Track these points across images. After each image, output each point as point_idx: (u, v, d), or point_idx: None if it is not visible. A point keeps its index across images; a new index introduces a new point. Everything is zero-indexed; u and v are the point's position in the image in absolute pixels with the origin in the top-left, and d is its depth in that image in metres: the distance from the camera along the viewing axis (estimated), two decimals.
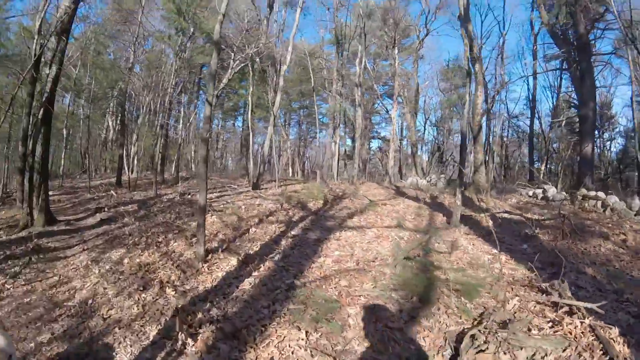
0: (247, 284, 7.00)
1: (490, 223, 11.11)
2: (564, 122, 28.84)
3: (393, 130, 29.31)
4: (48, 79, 11.74)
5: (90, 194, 18.31)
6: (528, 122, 32.30)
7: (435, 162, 34.99)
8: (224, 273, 7.52)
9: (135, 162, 28.37)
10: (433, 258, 8.65)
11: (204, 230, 8.12)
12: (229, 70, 29.53)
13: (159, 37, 26.42)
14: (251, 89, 20.01)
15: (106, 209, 14.04)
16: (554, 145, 32.48)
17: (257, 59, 21.73)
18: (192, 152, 33.81)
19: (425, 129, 41.90)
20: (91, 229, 11.53)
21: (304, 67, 29.37)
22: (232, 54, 29.13)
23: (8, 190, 19.05)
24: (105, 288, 7.10)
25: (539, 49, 30.70)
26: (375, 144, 46.97)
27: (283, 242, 9.67)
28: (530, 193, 17.57)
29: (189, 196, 16.16)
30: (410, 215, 13.40)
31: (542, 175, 24.85)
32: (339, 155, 28.06)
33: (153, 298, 6.53)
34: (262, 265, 7.90)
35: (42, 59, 11.95)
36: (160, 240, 9.64)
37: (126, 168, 25.10)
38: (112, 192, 17.34)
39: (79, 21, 22.25)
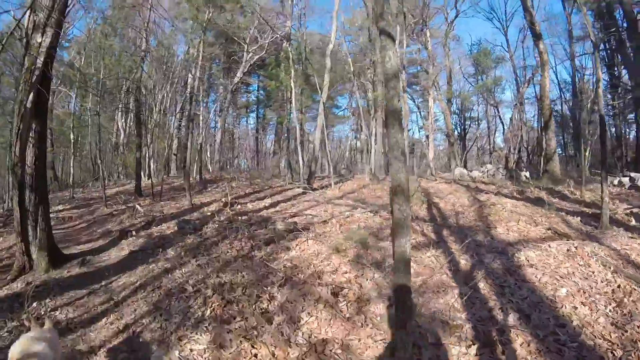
0: None
1: None
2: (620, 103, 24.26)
3: (431, 120, 24.75)
4: (40, 49, 6.98)
5: (107, 208, 13.59)
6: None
7: (461, 152, 30.44)
8: None
9: (152, 166, 23.56)
10: None
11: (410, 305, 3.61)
12: (242, 64, 25.21)
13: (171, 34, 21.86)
14: (292, 73, 15.24)
15: (134, 233, 9.37)
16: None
17: (286, 44, 17.08)
18: (208, 153, 29.23)
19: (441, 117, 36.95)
20: (120, 274, 6.88)
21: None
22: (246, 46, 24.89)
23: (10, 208, 14.22)
24: None
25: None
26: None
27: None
28: (616, 182, 13.93)
29: (238, 206, 11.53)
30: (541, 218, 9.06)
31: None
32: (370, 149, 23.49)
33: None
34: None
35: (32, 19, 7.15)
36: (269, 310, 5.20)
37: (142, 173, 20.30)
38: (135, 205, 12.65)
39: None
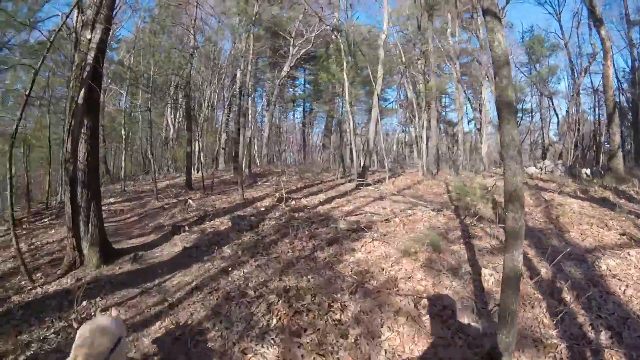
0: None
1: None
2: None
3: (484, 112, 23.25)
4: (90, 45, 6.54)
5: (158, 201, 13.29)
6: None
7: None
8: None
9: (202, 160, 23.42)
10: None
11: None
12: (289, 58, 24.64)
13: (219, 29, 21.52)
14: (345, 65, 14.43)
15: (186, 227, 8.88)
16: None
17: (337, 34, 16.30)
18: (256, 147, 28.93)
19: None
20: (174, 272, 6.35)
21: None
22: (292, 40, 24.33)
23: (62, 200, 14.20)
24: None
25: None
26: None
27: None
28: None
29: (292, 202, 10.90)
30: (612, 221, 7.98)
31: None
32: (421, 143, 22.39)
33: None
34: None
35: (81, 16, 6.78)
36: (342, 321, 4.55)
37: (192, 167, 20.09)
38: (187, 199, 12.26)
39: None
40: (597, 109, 28.50)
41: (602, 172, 16.72)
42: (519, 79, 30.43)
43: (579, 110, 25.66)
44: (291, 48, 24.05)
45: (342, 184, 14.54)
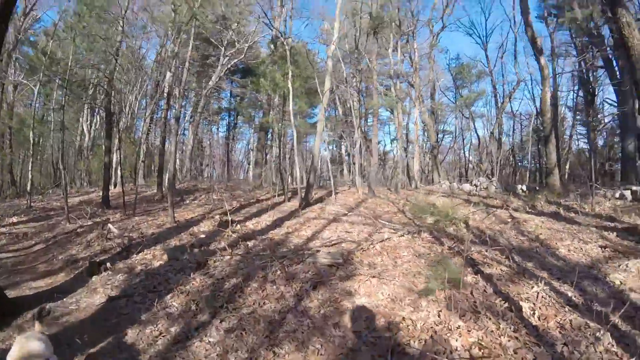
0: None
1: None
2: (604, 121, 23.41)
3: (416, 131, 22.60)
4: None
5: (70, 223, 10.66)
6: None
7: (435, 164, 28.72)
8: None
9: (120, 173, 20.39)
10: None
11: None
12: (219, 67, 22.49)
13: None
14: (289, 73, 12.76)
15: (108, 265, 6.62)
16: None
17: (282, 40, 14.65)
18: (178, 161, 26.18)
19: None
20: (99, 341, 4.19)
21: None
22: (223, 49, 22.24)
23: None
24: None
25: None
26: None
27: None
28: (617, 195, 12.77)
29: (236, 226, 9.00)
30: (583, 235, 7.61)
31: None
32: (353, 161, 21.25)
33: None
34: None
35: None
36: None
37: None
38: (106, 221, 9.84)
39: None
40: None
41: (537, 188, 16.67)
42: (442, 102, 30.98)
43: (501, 132, 26.22)
44: (222, 57, 21.94)
45: (281, 202, 12.89)
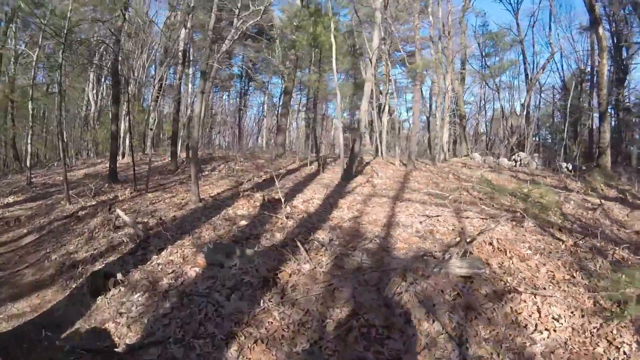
0: None
1: None
2: None
3: (447, 99, 20.12)
4: None
5: (70, 204, 8.51)
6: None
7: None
8: None
9: (128, 142, 18.18)
10: None
11: None
12: (232, 31, 20.04)
13: None
14: (332, 27, 10.43)
15: (119, 276, 4.41)
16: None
17: None
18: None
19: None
20: None
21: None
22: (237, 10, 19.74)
23: None
24: None
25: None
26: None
27: None
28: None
29: (288, 209, 6.81)
30: None
31: None
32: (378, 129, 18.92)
33: None
34: None
35: None
36: None
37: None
38: (114, 204, 7.69)
39: None
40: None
41: (584, 168, 14.63)
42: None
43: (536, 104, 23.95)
44: (235, 20, 19.45)
45: (314, 173, 10.85)
